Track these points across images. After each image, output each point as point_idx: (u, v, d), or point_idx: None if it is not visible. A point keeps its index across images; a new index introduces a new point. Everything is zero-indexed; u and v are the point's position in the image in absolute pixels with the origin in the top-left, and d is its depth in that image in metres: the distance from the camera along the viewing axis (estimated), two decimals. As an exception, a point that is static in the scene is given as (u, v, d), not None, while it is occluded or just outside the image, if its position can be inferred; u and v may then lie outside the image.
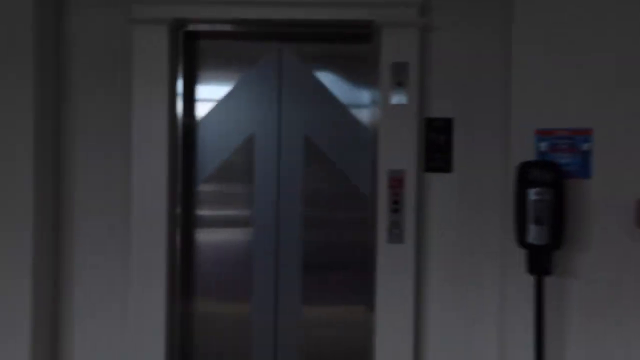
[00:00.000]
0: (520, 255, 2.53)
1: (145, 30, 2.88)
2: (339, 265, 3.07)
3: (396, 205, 2.81)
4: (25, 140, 2.78)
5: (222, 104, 3.08)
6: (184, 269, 3.06)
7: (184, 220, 3.05)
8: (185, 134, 3.05)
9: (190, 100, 3.08)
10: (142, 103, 2.90)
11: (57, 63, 2.97)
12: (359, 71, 3.04)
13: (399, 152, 2.82)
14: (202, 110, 3.09)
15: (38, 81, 2.81)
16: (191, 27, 2.99)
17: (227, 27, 3.02)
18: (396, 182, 2.81)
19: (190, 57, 3.07)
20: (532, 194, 2.34)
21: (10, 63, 2.76)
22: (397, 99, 2.81)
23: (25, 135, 2.78)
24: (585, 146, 2.53)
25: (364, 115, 3.03)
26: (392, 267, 2.83)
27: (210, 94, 3.09)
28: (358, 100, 3.04)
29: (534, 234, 2.34)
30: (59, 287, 3.00)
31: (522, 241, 2.42)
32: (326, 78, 3.05)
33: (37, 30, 2.79)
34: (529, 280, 2.51)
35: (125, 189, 2.94)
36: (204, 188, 3.09)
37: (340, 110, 3.04)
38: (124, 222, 2.95)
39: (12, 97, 2.77)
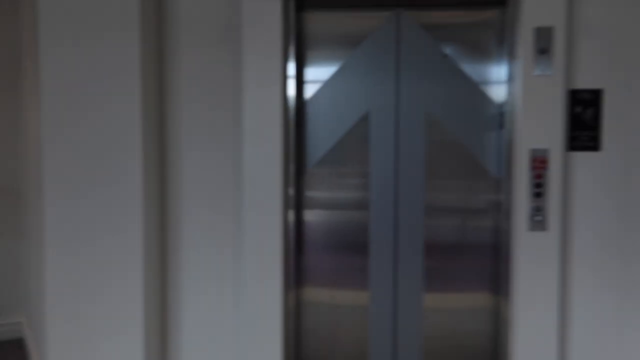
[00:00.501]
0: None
1: (256, 0, 2.64)
2: (464, 251, 2.81)
3: (539, 189, 2.51)
4: (133, 130, 2.62)
5: (334, 80, 2.83)
6: (297, 255, 2.86)
7: (296, 204, 2.85)
8: (296, 112, 2.83)
9: (300, 75, 2.84)
10: (254, 78, 2.68)
11: (160, 38, 2.78)
12: (489, 39, 2.72)
13: (543, 130, 2.51)
14: (312, 86, 2.85)
15: (143, 57, 2.62)
16: (301, -4, 2.74)
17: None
18: (539, 163, 2.51)
19: (300, 28, 2.82)
20: None
21: (116, 48, 2.59)
22: (541, 68, 2.48)
23: (133, 126, 2.61)
24: None
25: (493, 89, 2.72)
26: (533, 257, 2.55)
27: (321, 69, 2.84)
28: (487, 72, 2.73)
29: None
30: (167, 278, 2.87)
31: None
32: (450, 48, 2.74)
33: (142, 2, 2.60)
34: None
35: (235, 172, 2.76)
36: (316, 170, 2.86)
37: (466, 84, 2.74)
38: (234, 207, 2.78)
39: (118, 82, 2.60)
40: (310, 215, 2.90)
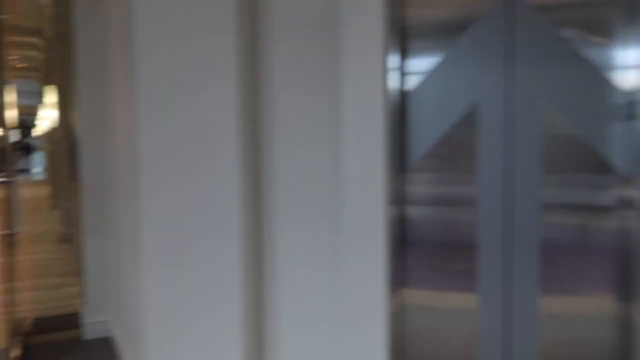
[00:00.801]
0: None
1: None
2: (585, 252, 2.59)
3: (681, 186, 2.26)
4: (229, 130, 2.53)
5: (439, 70, 2.64)
6: (399, 255, 2.71)
7: (399, 201, 2.69)
8: (398, 105, 2.67)
9: (402, 66, 2.68)
10: (353, 70, 2.56)
11: (254, 28, 2.66)
12: (616, 20, 2.47)
13: (685, 119, 2.26)
14: (415, 77, 2.68)
15: (238, 51, 2.53)
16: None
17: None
18: (682, 156, 2.25)
19: (402, 14, 2.65)
20: None
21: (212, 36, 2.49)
22: (685, 51, 2.22)
23: (229, 125, 2.52)
24: None
25: (620, 76, 2.47)
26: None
27: (424, 58, 2.67)
28: (613, 57, 2.48)
29: None
30: (263, 278, 2.77)
31: None
32: (572, 32, 2.51)
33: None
34: None
35: (332, 167, 2.63)
36: (420, 165, 2.70)
37: (588, 71, 2.50)
38: (332, 204, 2.65)
39: (214, 78, 2.51)
40: (414, 213, 2.74)
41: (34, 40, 10.24)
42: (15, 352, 3.67)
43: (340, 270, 2.67)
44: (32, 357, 3.85)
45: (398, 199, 2.70)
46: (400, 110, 2.68)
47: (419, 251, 2.75)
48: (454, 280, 2.73)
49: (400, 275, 2.73)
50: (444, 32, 2.64)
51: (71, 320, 4.47)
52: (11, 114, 4.16)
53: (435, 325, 2.75)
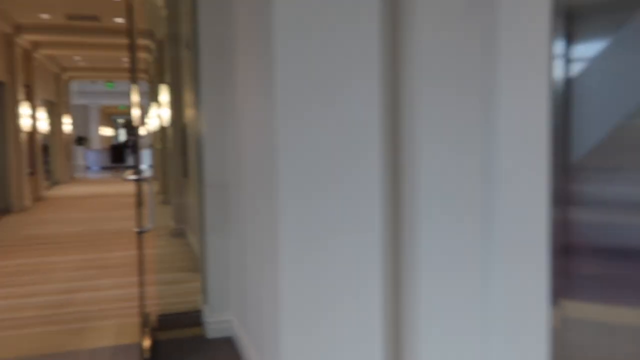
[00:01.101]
0: None
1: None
2: None
3: None
4: (373, 129, 2.35)
5: (609, 56, 2.33)
6: (562, 262, 2.43)
7: (562, 201, 2.41)
8: (562, 93, 2.39)
9: (565, 51, 2.39)
10: (512, 57, 2.31)
11: (395, 10, 2.46)
12: None
13: None
14: (580, 64, 2.38)
15: (381, 36, 2.34)
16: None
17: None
18: None
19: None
20: None
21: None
22: None
23: (372, 122, 2.35)
24: None
25: None
26: None
27: (591, 43, 2.36)
28: None
29: None
30: (402, 284, 2.57)
31: None
32: None
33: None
34: None
35: (482, 165, 2.40)
36: (585, 161, 2.40)
37: None
38: (480, 204, 2.43)
39: (356, 70, 2.34)
40: (578, 216, 2.44)
41: (145, 42, 10.67)
42: (146, 346, 3.73)
43: (492, 278, 2.43)
44: (160, 353, 3.90)
45: (560, 199, 2.42)
46: (564, 100, 2.39)
47: (584, 259, 2.45)
48: (625, 293, 2.41)
49: (561, 285, 2.44)
50: (615, 12, 2.32)
51: (193, 318, 4.51)
52: (137, 113, 4.24)
53: (602, 342, 2.44)
